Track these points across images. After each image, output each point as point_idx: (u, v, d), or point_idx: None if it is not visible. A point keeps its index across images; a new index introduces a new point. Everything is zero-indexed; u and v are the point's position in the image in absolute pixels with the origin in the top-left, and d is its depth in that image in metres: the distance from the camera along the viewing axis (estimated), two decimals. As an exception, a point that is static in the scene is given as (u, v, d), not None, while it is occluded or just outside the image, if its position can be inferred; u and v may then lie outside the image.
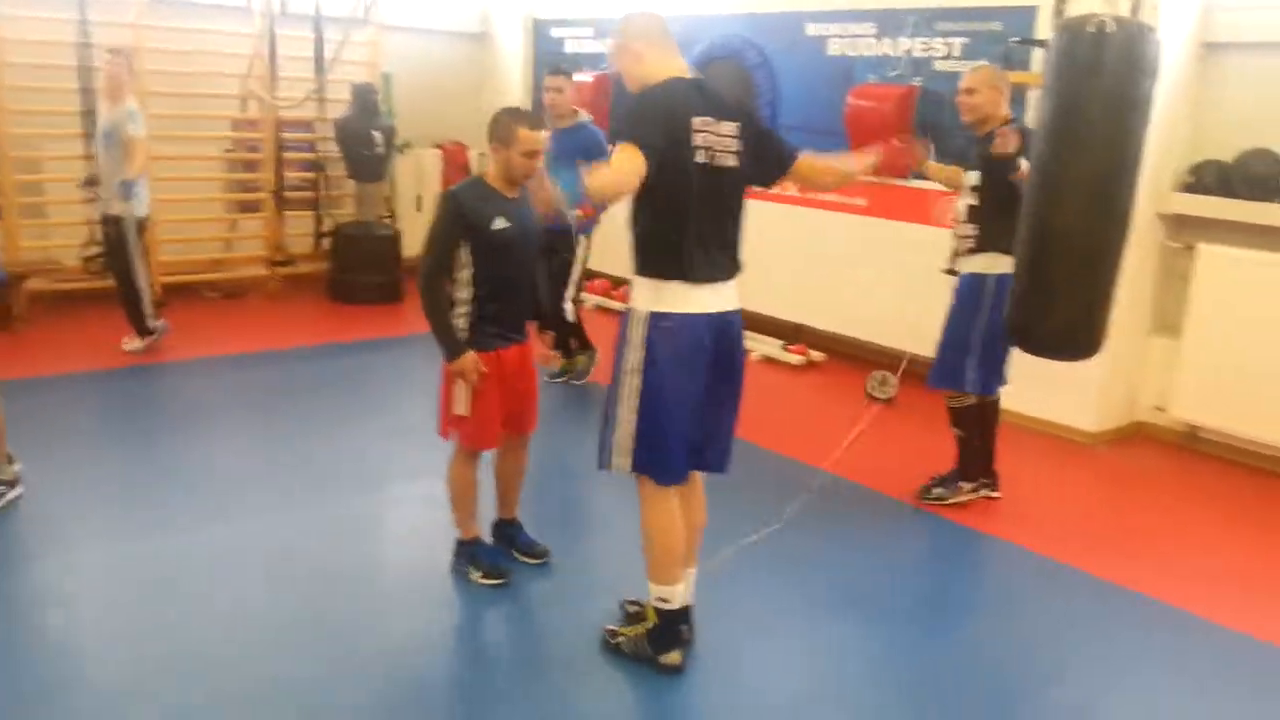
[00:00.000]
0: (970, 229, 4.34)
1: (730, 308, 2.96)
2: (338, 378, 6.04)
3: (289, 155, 8.03)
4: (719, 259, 2.92)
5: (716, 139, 2.83)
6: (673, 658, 3.11)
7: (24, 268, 6.73)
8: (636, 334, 2.88)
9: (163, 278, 7.41)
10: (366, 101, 7.79)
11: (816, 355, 6.86)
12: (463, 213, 3.34)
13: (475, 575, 3.64)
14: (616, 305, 7.63)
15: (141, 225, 6.06)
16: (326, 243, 8.19)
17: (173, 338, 6.32)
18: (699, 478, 3.19)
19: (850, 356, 6.86)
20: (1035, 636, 3.57)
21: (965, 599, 3.96)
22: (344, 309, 7.74)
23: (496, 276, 3.41)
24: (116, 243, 6.00)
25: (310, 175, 8.22)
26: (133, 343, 6.16)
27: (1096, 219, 3.05)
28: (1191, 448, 5.53)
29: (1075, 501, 4.84)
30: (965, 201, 4.39)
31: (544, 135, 3.39)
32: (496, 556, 3.72)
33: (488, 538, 3.81)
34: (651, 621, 3.13)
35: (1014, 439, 5.39)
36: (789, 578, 3.87)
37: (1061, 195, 3.09)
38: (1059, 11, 4.76)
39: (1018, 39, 5.48)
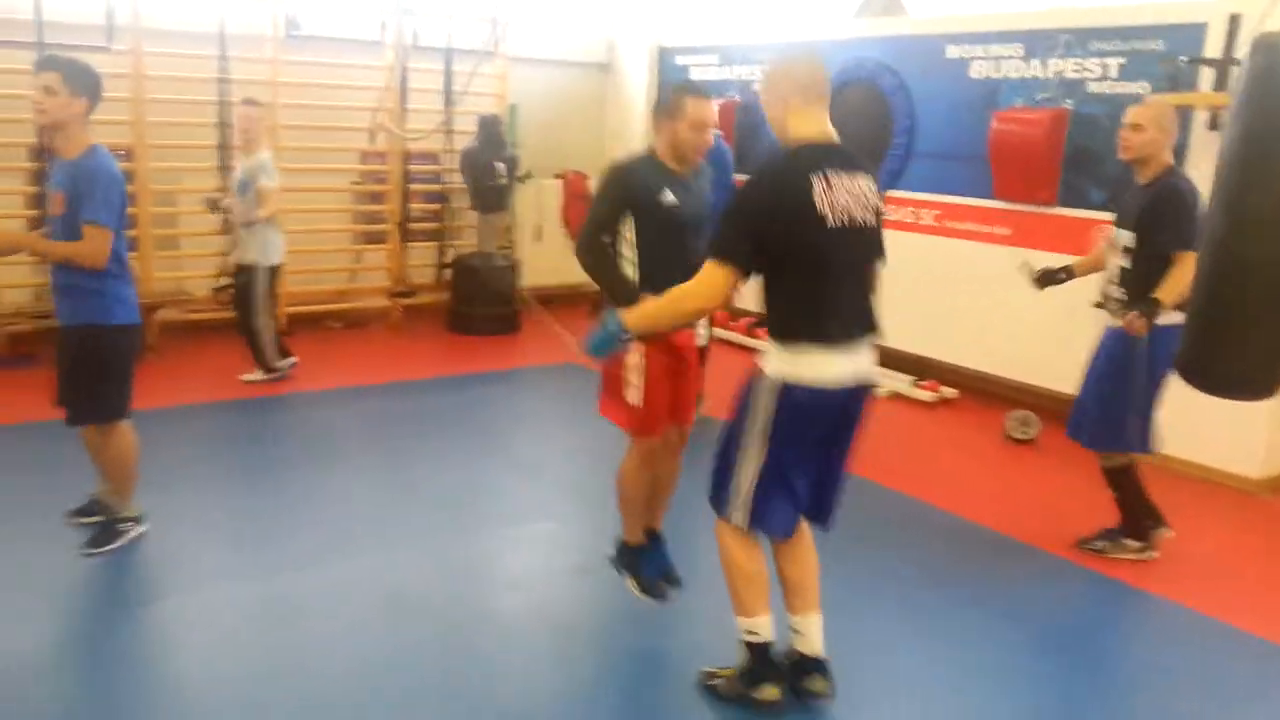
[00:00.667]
0: (1120, 291, 4.04)
1: (863, 372, 2.85)
2: (456, 411, 5.94)
3: (414, 187, 8.07)
4: (854, 321, 2.82)
5: (845, 196, 2.73)
6: (768, 692, 2.97)
7: (156, 298, 6.87)
8: (767, 399, 2.81)
9: (288, 308, 7.50)
10: (492, 133, 7.78)
11: (949, 392, 6.47)
12: (629, 184, 3.23)
13: (632, 585, 3.53)
14: (746, 341, 7.38)
15: (273, 274, 6.13)
16: (448, 273, 8.17)
17: (298, 369, 6.34)
18: (805, 523, 3.08)
19: (984, 393, 6.46)
20: (1189, 704, 3.23)
21: (1123, 664, 3.57)
22: (462, 340, 7.70)
23: (663, 254, 3.24)
24: (244, 289, 6.07)
25: (434, 206, 8.25)
26: (253, 375, 6.22)
27: None
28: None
29: (1240, 555, 4.42)
30: (1117, 262, 4.07)
31: (713, 108, 3.26)
32: (658, 574, 3.55)
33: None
34: (744, 658, 3.01)
35: (1170, 486, 4.97)
36: (931, 633, 3.57)
37: (1254, 227, 2.72)
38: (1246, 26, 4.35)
39: (1188, 58, 5.06)
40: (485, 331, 7.76)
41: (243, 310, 6.13)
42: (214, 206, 6.39)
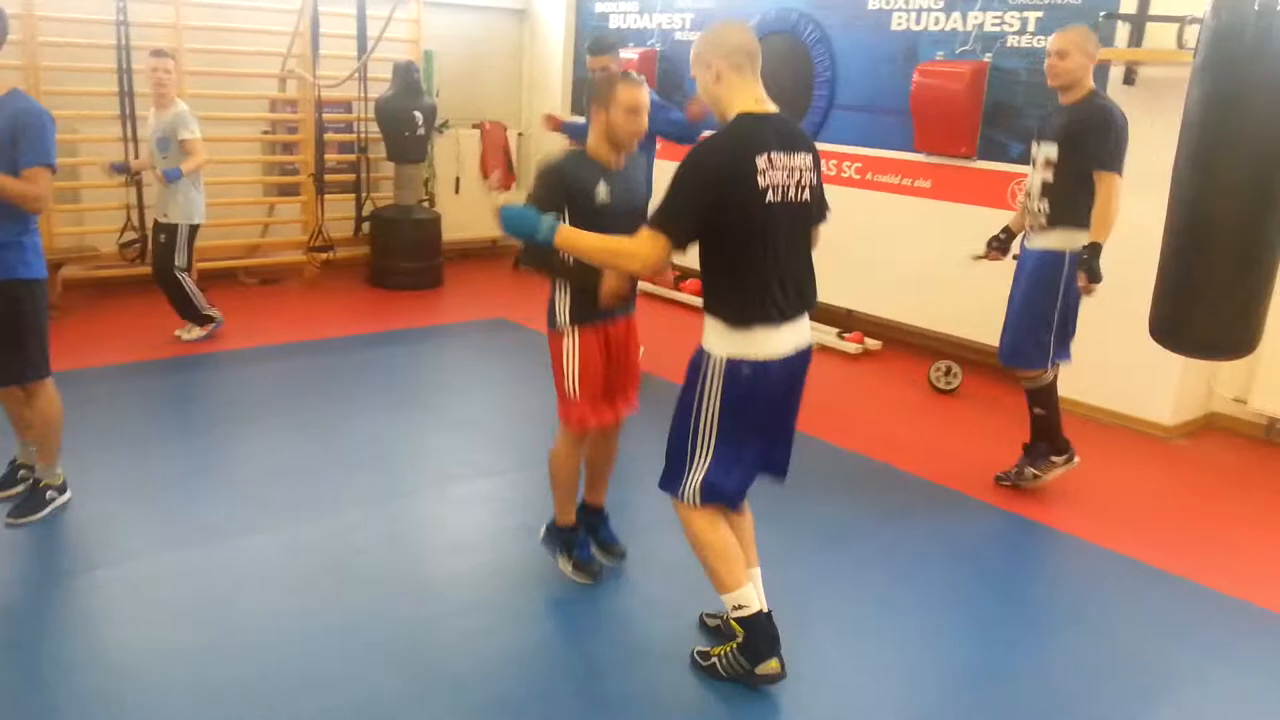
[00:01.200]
0: (1044, 204, 4.18)
1: (804, 344, 2.92)
2: (382, 369, 5.84)
3: (329, 137, 7.82)
4: (794, 296, 2.85)
5: (785, 174, 2.76)
6: (770, 666, 2.95)
7: (60, 254, 6.56)
8: (714, 377, 2.84)
9: (199, 264, 7.23)
10: (408, 80, 7.57)
11: (872, 344, 6.60)
12: (563, 184, 3.18)
13: (565, 565, 3.55)
14: (676, 297, 7.37)
15: (193, 232, 5.91)
16: (366, 227, 7.98)
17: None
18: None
19: (908, 345, 6.62)
20: (1127, 641, 3.40)
21: (1040, 598, 3.77)
22: (384, 295, 7.54)
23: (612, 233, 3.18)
24: (165, 248, 5.85)
25: (351, 157, 8.02)
26: (192, 332, 6.03)
27: (1259, 211, 2.78)
28: (1270, 441, 5.34)
29: (1155, 497, 4.65)
30: (1039, 176, 4.20)
31: (645, 91, 3.23)
32: (589, 553, 3.61)
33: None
34: (739, 634, 2.98)
35: (1089, 432, 5.22)
36: (857, 576, 3.71)
37: (1220, 187, 2.81)
38: None
39: (1108, 13, 5.18)
40: (407, 286, 7.62)
41: (163, 270, 5.90)
42: (123, 171, 6.09)
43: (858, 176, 6.69)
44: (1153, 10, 5.07)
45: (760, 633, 2.94)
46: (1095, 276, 3.96)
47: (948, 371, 5.81)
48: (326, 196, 7.83)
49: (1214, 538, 4.23)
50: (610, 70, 5.47)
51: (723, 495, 2.94)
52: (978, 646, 3.32)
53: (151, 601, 3.28)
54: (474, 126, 8.73)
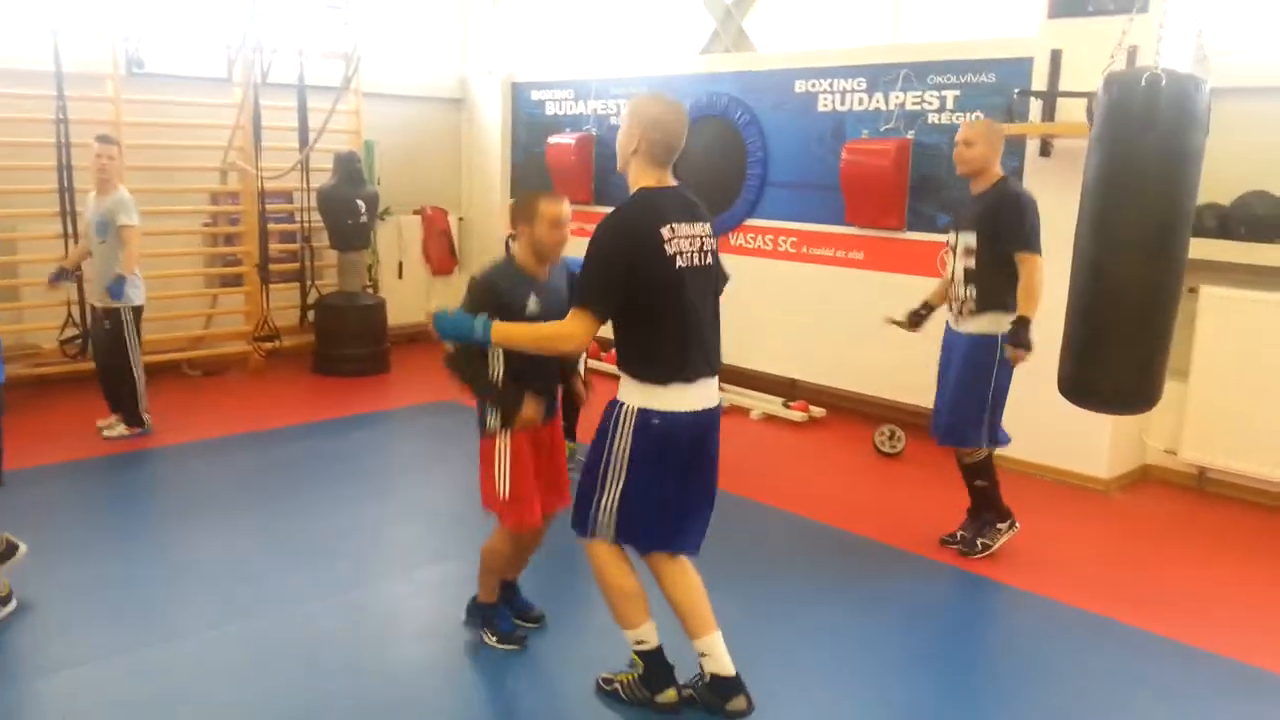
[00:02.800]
0: (969, 290, 4.35)
1: (713, 404, 3.09)
2: (332, 457, 5.83)
3: (272, 227, 7.87)
4: (702, 360, 3.03)
5: (688, 241, 2.96)
6: (669, 695, 3.19)
7: None
8: (625, 427, 3.01)
9: (142, 357, 7.19)
10: (350, 170, 7.68)
11: (817, 411, 6.76)
12: (497, 294, 3.31)
13: (490, 639, 3.65)
14: (604, 367, 7.48)
15: (138, 314, 5.89)
16: (312, 315, 8.00)
17: (156, 420, 6.09)
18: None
19: (851, 411, 6.79)
20: (1075, 691, 3.51)
21: (1000, 655, 3.87)
22: (331, 382, 7.54)
23: (531, 360, 3.32)
24: (113, 335, 5.80)
25: (294, 246, 8.07)
26: (116, 428, 5.94)
27: (1155, 271, 3.00)
28: (1201, 489, 5.56)
29: (1095, 549, 4.81)
30: (961, 264, 4.38)
31: (566, 204, 3.39)
32: (512, 624, 3.72)
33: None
34: (640, 667, 3.21)
35: (1028, 487, 5.41)
36: (820, 642, 3.77)
37: (1119, 249, 3.03)
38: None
39: (1021, 90, 5.49)
40: (353, 373, 7.63)
41: (117, 359, 5.84)
42: (63, 279, 6.02)
43: (794, 250, 6.92)
44: (1062, 86, 5.38)
45: (656, 665, 3.18)
46: (1025, 346, 4.14)
47: (891, 435, 5.98)
48: (271, 285, 7.85)
49: (1154, 585, 4.39)
50: None
51: (630, 537, 3.10)
52: (945, 707, 3.39)
53: (114, 701, 3.23)
54: (415, 212, 8.85)
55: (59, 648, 3.58)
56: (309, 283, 8.13)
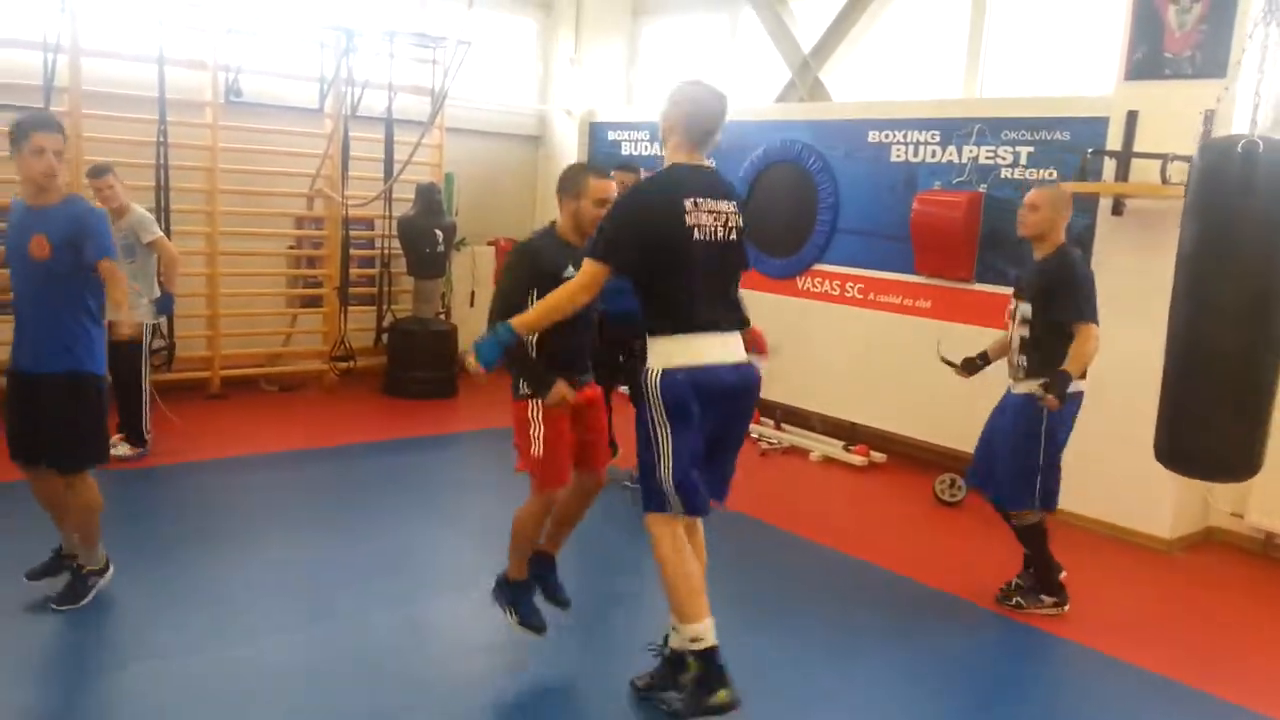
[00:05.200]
0: (1023, 359, 4.39)
1: (736, 358, 3.23)
2: (398, 476, 6.00)
3: (354, 252, 8.15)
4: (720, 312, 3.21)
5: (711, 216, 3.16)
6: (721, 696, 3.14)
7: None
8: (653, 391, 3.15)
9: (222, 371, 7.48)
10: (430, 201, 7.94)
11: (878, 456, 6.79)
12: (535, 263, 3.51)
13: (512, 619, 3.72)
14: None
15: (154, 333, 5.94)
16: (386, 338, 8.25)
17: (229, 433, 6.30)
18: (699, 523, 3.43)
19: (912, 458, 6.80)
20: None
21: (1043, 706, 3.86)
22: (400, 404, 7.75)
23: (565, 326, 3.44)
24: (130, 350, 5.73)
25: (372, 271, 8.34)
26: (120, 448, 5.72)
27: (1253, 344, 3.00)
28: (1268, 555, 5.46)
29: (1156, 607, 4.77)
30: (1018, 333, 4.43)
31: (613, 183, 3.59)
32: (536, 609, 3.77)
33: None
34: (693, 670, 3.15)
35: (1088, 545, 5.38)
36: (865, 687, 3.79)
37: (1215, 320, 3.04)
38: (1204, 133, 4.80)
39: (1095, 150, 5.54)
40: (423, 395, 7.83)
41: (129, 374, 5.77)
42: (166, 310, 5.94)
43: (860, 296, 6.99)
44: (1137, 147, 5.42)
45: (711, 665, 3.13)
46: (1056, 394, 4.10)
47: (952, 484, 5.99)
48: (349, 308, 8.12)
49: (1215, 647, 4.34)
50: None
51: (691, 502, 3.18)
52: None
53: (190, 695, 3.39)
54: (489, 243, 9.08)
55: (138, 640, 3.77)
56: (385, 307, 8.38)
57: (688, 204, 3.11)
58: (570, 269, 3.45)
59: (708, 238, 3.15)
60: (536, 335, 3.50)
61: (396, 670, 3.65)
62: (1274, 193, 3.01)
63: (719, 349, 3.19)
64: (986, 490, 4.56)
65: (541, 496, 3.62)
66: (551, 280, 3.40)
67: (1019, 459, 4.36)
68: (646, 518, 3.25)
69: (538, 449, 3.54)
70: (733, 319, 3.27)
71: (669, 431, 3.14)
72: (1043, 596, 4.52)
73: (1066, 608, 4.51)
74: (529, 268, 3.52)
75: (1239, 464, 3.31)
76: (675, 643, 3.31)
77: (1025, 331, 4.38)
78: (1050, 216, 4.36)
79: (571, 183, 3.56)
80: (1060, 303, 4.24)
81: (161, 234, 5.85)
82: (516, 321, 3.23)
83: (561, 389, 3.49)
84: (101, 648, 3.72)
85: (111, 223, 5.88)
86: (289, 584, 4.34)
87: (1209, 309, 3.13)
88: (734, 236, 3.25)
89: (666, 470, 3.16)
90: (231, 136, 7.50)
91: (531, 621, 3.73)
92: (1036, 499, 4.37)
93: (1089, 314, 4.23)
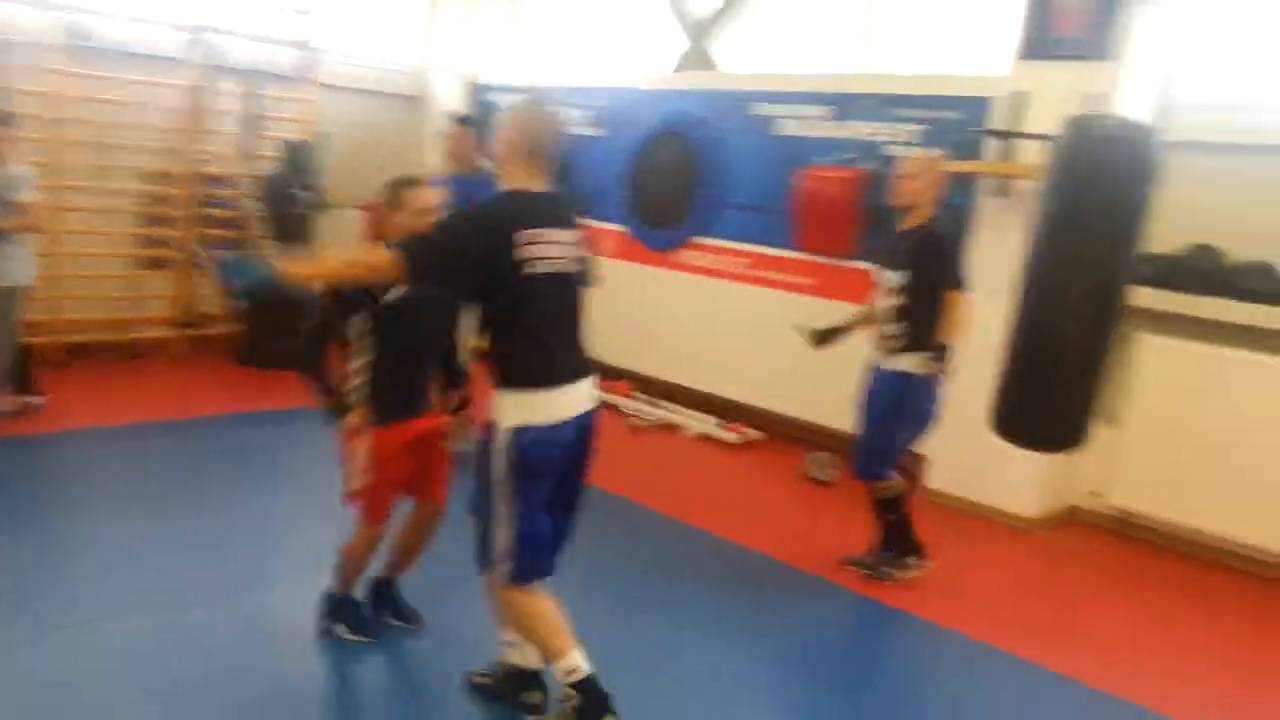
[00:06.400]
0: (896, 328, 4.30)
1: (589, 407, 2.99)
2: (253, 450, 5.59)
3: (210, 212, 7.60)
4: (566, 362, 2.95)
5: (556, 248, 2.88)
6: None
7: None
8: (503, 448, 2.87)
9: (64, 337, 6.90)
10: (297, 159, 7.45)
11: (754, 434, 6.63)
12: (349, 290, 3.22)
13: (344, 631, 3.55)
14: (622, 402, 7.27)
15: (17, 295, 5.41)
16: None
17: (70, 403, 5.79)
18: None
19: (789, 437, 6.66)
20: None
21: (901, 684, 3.86)
22: (251, 374, 7.25)
23: (394, 348, 3.28)
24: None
25: (228, 234, 7.80)
26: None
27: (1094, 324, 2.92)
28: (1124, 533, 5.51)
29: (1011, 585, 4.76)
30: (890, 302, 4.32)
31: (430, 192, 3.33)
32: (368, 615, 3.62)
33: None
34: (573, 699, 2.95)
35: (951, 522, 5.35)
36: (736, 671, 3.65)
37: (1060, 301, 2.95)
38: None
39: (977, 128, 5.43)
40: (280, 366, 7.35)
41: None
42: None
43: (744, 272, 6.80)
44: (1028, 128, 5.32)
45: (591, 694, 2.93)
46: (946, 363, 4.12)
47: (823, 463, 5.87)
48: (201, 272, 7.58)
49: (1065, 624, 4.34)
50: (464, 142, 5.56)
51: (533, 570, 2.94)
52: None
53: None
54: (358, 207, 8.61)
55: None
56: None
57: (521, 236, 2.81)
58: (394, 290, 3.20)
59: (553, 273, 2.87)
60: (375, 364, 3.27)
61: (219, 666, 3.32)
62: (1125, 178, 2.91)
63: (573, 402, 2.94)
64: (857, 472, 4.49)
65: (365, 533, 3.42)
66: (374, 301, 3.20)
67: (883, 434, 4.33)
68: (490, 582, 3.02)
69: (359, 483, 3.33)
70: (579, 366, 3.00)
71: (514, 498, 2.88)
72: (906, 559, 4.48)
73: (931, 565, 4.48)
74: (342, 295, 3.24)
75: (1072, 438, 3.29)
76: (519, 660, 3.14)
77: (895, 300, 4.29)
78: (923, 188, 4.28)
79: (390, 199, 3.30)
80: (933, 271, 4.18)
81: (35, 200, 5.38)
82: (296, 267, 2.95)
83: (354, 421, 3.25)
84: None
85: None
86: (105, 570, 3.93)
87: (1054, 291, 3.06)
88: (577, 268, 2.99)
89: (505, 539, 2.90)
90: (78, 84, 6.89)
91: (364, 629, 3.55)
92: (893, 471, 4.37)
93: (960, 282, 4.18)
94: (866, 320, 4.57)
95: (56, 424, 5.62)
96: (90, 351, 7.11)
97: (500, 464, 2.87)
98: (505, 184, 2.96)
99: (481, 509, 2.96)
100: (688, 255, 7.13)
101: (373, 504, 3.37)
